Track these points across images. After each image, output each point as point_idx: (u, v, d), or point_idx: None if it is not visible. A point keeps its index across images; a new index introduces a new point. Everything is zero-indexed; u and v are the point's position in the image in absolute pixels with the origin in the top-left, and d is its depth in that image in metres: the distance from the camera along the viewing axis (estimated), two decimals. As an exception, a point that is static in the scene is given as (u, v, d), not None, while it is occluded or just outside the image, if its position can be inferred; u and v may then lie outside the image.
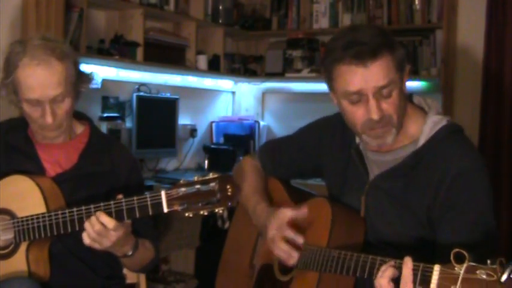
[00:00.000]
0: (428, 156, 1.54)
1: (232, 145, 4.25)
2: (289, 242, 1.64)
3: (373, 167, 1.65)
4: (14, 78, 1.73)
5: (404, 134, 1.59)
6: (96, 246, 1.63)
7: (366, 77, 1.47)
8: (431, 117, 1.58)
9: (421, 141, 1.55)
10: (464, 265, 1.14)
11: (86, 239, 1.62)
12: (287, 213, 1.66)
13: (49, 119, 1.73)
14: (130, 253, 1.74)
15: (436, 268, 1.20)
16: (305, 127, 1.90)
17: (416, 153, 1.55)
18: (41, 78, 1.71)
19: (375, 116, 1.49)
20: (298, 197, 1.83)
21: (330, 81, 1.57)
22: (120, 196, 1.61)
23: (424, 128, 1.57)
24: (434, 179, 1.51)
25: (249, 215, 1.84)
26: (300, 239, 1.62)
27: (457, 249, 1.15)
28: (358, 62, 1.46)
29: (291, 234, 1.63)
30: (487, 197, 1.49)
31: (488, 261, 1.12)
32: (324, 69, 1.58)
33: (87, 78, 1.87)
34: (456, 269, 1.15)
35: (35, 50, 1.72)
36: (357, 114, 1.53)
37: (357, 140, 1.69)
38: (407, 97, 1.64)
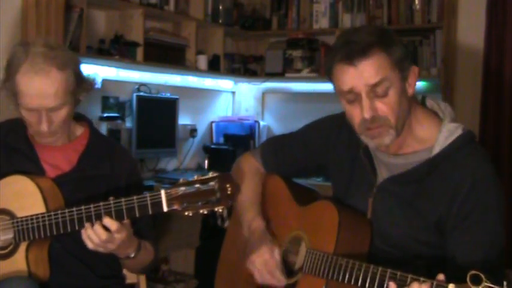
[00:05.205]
0: (442, 166, 1.52)
1: (232, 145, 4.25)
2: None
3: (382, 169, 1.63)
4: (14, 83, 1.72)
5: (415, 138, 1.57)
6: (100, 250, 1.63)
7: (356, 75, 1.47)
8: (446, 125, 1.55)
9: (436, 149, 1.53)
10: (481, 286, 1.12)
11: (90, 244, 1.61)
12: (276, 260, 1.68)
13: (44, 127, 1.72)
14: (133, 255, 1.73)
15: (450, 287, 1.18)
16: (311, 124, 1.87)
17: (431, 161, 1.53)
18: (38, 88, 1.69)
19: (366, 114, 1.48)
20: (302, 196, 1.81)
21: (331, 81, 1.57)
22: (111, 198, 1.59)
23: (439, 136, 1.54)
24: (448, 189, 1.49)
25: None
26: None
27: (473, 271, 1.13)
28: (348, 61, 1.47)
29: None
30: (500, 206, 1.49)
31: (505, 283, 1.11)
32: (326, 71, 1.58)
33: (88, 85, 1.84)
34: None
35: (36, 58, 1.69)
36: (354, 114, 1.52)
37: None
38: (417, 99, 1.62)
